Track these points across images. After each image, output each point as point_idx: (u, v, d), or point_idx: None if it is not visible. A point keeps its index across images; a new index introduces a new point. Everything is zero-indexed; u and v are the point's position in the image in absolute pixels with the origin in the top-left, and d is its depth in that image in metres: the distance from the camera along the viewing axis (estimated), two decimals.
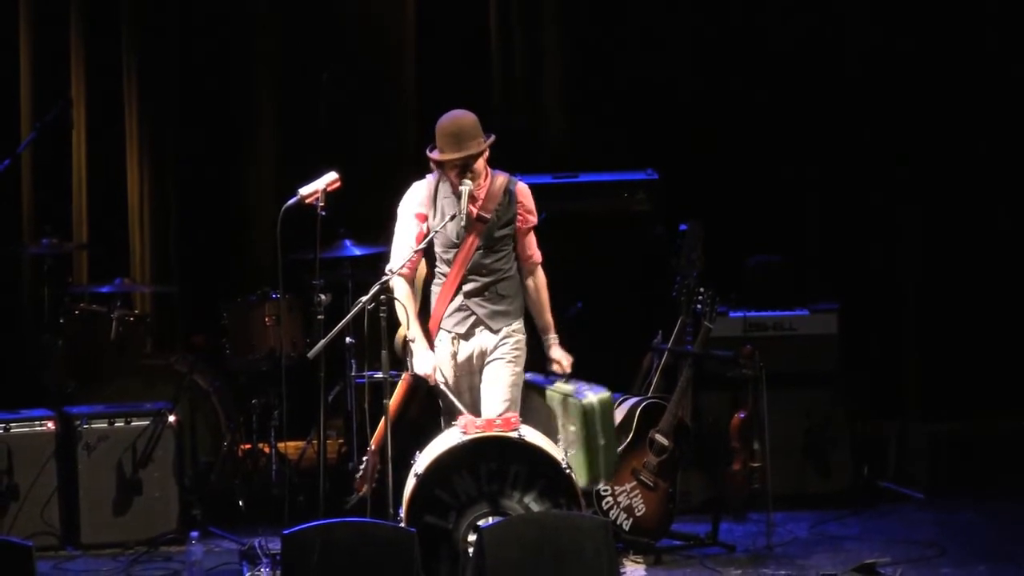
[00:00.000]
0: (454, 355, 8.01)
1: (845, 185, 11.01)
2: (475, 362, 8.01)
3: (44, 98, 10.75)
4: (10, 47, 10.88)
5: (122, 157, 11.03)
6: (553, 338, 8.14)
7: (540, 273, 8.14)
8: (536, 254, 8.13)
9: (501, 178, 8.05)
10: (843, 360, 9.91)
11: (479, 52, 11.22)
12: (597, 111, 11.04)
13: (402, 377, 7.96)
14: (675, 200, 10.14)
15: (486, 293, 8.00)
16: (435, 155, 7.91)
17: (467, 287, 7.99)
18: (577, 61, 11.17)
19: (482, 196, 7.96)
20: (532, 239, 8.12)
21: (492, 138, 7.94)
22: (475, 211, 7.91)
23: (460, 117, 7.93)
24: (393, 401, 7.85)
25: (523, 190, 8.09)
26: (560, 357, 8.11)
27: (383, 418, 7.79)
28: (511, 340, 8.00)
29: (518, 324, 8.05)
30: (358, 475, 8.01)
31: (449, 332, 8.01)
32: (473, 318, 7.98)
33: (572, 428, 8.00)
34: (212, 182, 11.11)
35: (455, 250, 7.97)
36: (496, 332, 7.98)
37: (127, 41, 10.98)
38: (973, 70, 10.96)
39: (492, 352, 7.97)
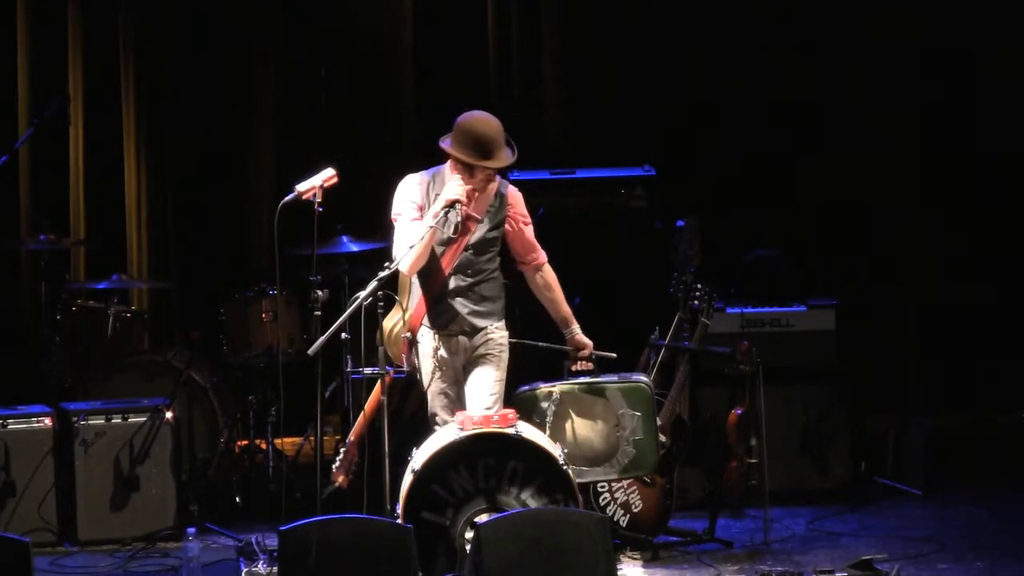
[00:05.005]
0: (435, 351, 7.99)
1: (843, 181, 11.00)
2: (457, 359, 8.00)
3: (42, 93, 10.75)
4: (8, 42, 10.87)
5: (120, 153, 11.03)
6: (576, 328, 8.17)
7: (548, 270, 8.13)
8: (540, 254, 8.11)
9: (494, 181, 8.03)
10: (841, 356, 9.90)
11: (477, 48, 11.21)
12: (594, 107, 11.03)
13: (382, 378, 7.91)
14: (672, 196, 10.14)
15: (470, 293, 7.97)
16: (464, 156, 7.80)
17: (452, 286, 7.95)
18: (574, 57, 11.15)
19: (475, 197, 7.92)
20: (532, 240, 8.08)
21: (515, 156, 7.90)
22: (469, 211, 7.88)
23: (492, 123, 7.86)
24: (371, 400, 7.88)
25: (514, 193, 8.06)
26: (586, 342, 8.16)
27: (362, 412, 7.82)
28: (494, 339, 7.99)
29: (500, 323, 8.03)
30: (335, 466, 8.04)
31: (431, 329, 7.99)
32: (456, 316, 7.96)
33: (637, 413, 8.08)
34: (210, 178, 11.11)
35: (443, 248, 7.94)
36: (478, 331, 7.97)
37: (125, 37, 10.97)
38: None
39: (475, 351, 7.97)
